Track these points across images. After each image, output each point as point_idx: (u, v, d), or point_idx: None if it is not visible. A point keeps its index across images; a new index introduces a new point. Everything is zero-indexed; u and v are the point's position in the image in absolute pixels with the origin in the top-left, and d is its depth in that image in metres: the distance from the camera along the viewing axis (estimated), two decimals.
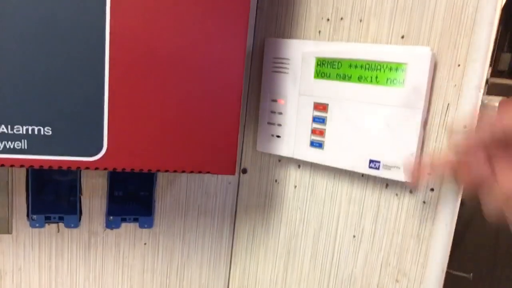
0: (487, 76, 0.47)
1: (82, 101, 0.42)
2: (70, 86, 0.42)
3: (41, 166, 0.43)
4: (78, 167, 0.44)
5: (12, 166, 0.43)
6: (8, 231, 0.59)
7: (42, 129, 0.43)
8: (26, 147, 0.43)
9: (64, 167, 0.44)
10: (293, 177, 0.59)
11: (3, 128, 0.42)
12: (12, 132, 0.42)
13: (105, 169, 0.45)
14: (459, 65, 0.46)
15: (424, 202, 0.50)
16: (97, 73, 0.42)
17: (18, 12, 0.40)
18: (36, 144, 0.43)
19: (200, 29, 0.44)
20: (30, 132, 0.42)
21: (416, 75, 0.46)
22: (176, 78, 0.44)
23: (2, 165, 0.43)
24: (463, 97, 0.46)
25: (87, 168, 0.44)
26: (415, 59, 0.46)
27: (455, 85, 0.46)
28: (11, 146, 0.42)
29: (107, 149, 0.44)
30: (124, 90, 0.43)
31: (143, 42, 0.43)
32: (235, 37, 0.45)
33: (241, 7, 0.45)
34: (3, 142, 0.42)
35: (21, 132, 0.42)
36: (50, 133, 0.43)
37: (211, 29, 0.44)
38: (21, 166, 0.43)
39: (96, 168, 0.44)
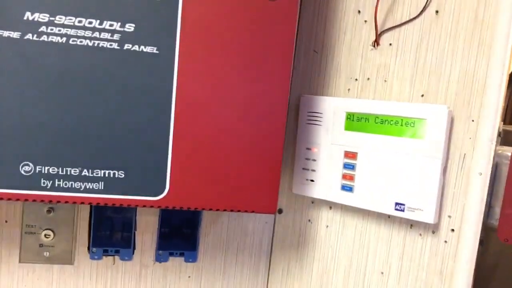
0: (499, 129, 0.54)
1: (150, 149, 0.51)
2: (140, 136, 0.51)
3: (114, 204, 0.51)
4: (145, 205, 0.52)
5: (90, 204, 0.51)
6: (71, 262, 0.67)
7: (116, 172, 0.51)
8: (102, 188, 0.51)
9: (133, 205, 0.52)
10: (325, 217, 0.66)
11: (85, 172, 0.50)
12: (92, 175, 0.51)
13: (167, 207, 0.52)
14: (473, 120, 0.53)
15: (445, 241, 0.55)
16: (163, 125, 0.51)
17: (101, 75, 0.50)
18: (111, 185, 0.51)
19: (250, 88, 0.53)
20: (106, 175, 0.51)
21: (435, 129, 0.53)
22: (228, 125, 0.52)
23: (82, 203, 0.51)
24: (478, 148, 0.53)
25: (152, 206, 0.52)
26: (434, 115, 0.53)
27: (470, 137, 0.53)
28: (91, 187, 0.51)
29: (169, 190, 0.52)
30: (186, 136, 0.51)
31: (204, 99, 0.52)
32: (279, 92, 0.53)
33: (283, 66, 0.53)
34: (84, 183, 0.51)
35: (99, 175, 0.51)
36: (123, 176, 0.51)
37: (259, 86, 0.53)
38: (98, 204, 0.51)
39: (159, 207, 0.52)
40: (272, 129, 0.54)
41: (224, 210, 0.53)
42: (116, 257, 0.68)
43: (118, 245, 0.67)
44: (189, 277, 0.71)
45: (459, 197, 0.54)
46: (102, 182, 0.51)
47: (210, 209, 0.53)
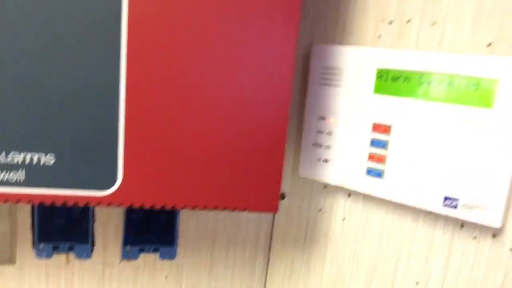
0: None
1: (92, 126, 0.34)
2: (78, 109, 0.34)
3: (42, 202, 0.35)
4: (87, 203, 0.36)
5: (6, 201, 0.35)
6: (11, 261, 0.52)
7: (43, 156, 0.34)
8: (23, 179, 0.35)
9: (70, 203, 0.35)
10: (341, 207, 0.50)
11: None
12: (7, 160, 0.34)
13: (120, 205, 0.36)
14: None
15: (511, 249, 0.40)
16: (111, 93, 0.34)
17: (29, 28, 0.32)
18: (36, 175, 0.35)
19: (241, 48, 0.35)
20: (28, 160, 0.34)
21: (509, 92, 0.37)
22: (207, 100, 0.36)
23: None
24: None
25: (98, 204, 0.36)
26: (508, 73, 0.36)
27: None
28: (6, 178, 0.34)
29: (122, 181, 0.36)
30: (143, 113, 0.34)
31: (164, 51, 0.34)
32: (281, 67, 0.36)
33: (289, 11, 0.35)
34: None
35: (18, 160, 0.34)
36: (53, 162, 0.35)
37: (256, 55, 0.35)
38: (17, 202, 0.35)
39: (109, 204, 0.36)
40: (274, 103, 0.37)
41: (204, 208, 0.37)
42: (71, 255, 0.53)
43: (72, 239, 0.52)
44: (166, 277, 0.56)
45: None
46: (23, 171, 0.34)
47: (184, 207, 0.37)
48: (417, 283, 0.46)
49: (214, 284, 0.57)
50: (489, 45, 0.39)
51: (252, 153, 0.36)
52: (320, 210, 0.52)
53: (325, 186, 0.51)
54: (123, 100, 0.34)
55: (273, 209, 0.38)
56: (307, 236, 0.54)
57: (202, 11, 0.34)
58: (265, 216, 0.56)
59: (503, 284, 0.41)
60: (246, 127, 0.36)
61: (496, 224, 0.38)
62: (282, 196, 0.55)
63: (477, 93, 0.38)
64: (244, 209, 0.38)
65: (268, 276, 0.58)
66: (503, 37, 0.39)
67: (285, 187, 0.54)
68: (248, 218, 0.56)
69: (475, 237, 0.42)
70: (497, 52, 0.39)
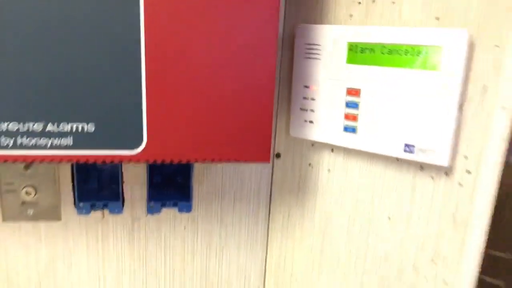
0: None
1: (121, 97, 0.44)
2: (109, 83, 0.44)
3: (87, 161, 0.46)
4: (120, 161, 0.46)
5: (60, 162, 0.45)
6: (58, 218, 0.63)
7: (86, 125, 0.45)
8: (72, 144, 0.45)
9: (108, 161, 0.46)
10: (326, 161, 0.60)
11: (50, 126, 0.44)
12: (58, 129, 0.44)
13: (146, 161, 0.47)
14: (498, 46, 0.45)
15: (460, 184, 0.50)
16: (134, 68, 0.44)
17: (61, 14, 0.42)
18: (80, 140, 0.45)
19: (231, 18, 0.45)
20: (75, 129, 0.45)
21: (452, 57, 0.46)
22: (209, 69, 0.45)
23: (52, 161, 0.45)
24: (502, 78, 0.45)
25: (129, 161, 0.46)
26: (451, 41, 0.45)
27: (494, 67, 0.45)
28: (58, 143, 0.45)
29: (147, 143, 0.46)
30: (160, 83, 0.44)
31: (177, 35, 0.44)
32: (267, 24, 0.46)
33: None
34: (51, 139, 0.45)
35: (67, 129, 0.45)
36: (93, 129, 0.45)
37: (242, 17, 0.45)
38: (69, 161, 0.45)
39: (137, 161, 0.46)
40: (261, 66, 0.46)
41: (211, 161, 0.48)
42: (106, 211, 0.64)
43: (105, 198, 0.63)
44: (184, 227, 0.67)
45: (477, 135, 0.47)
46: (71, 137, 0.45)
47: (196, 161, 0.48)
48: (389, 218, 0.56)
49: (225, 232, 0.68)
50: (437, 18, 0.48)
51: (247, 113, 0.46)
52: (309, 164, 0.62)
53: (313, 143, 0.61)
54: (144, 77, 0.44)
55: (266, 159, 0.48)
56: (300, 187, 0.64)
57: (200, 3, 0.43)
58: (265, 174, 0.66)
59: (455, 212, 0.51)
60: (241, 91, 0.46)
61: (445, 163, 0.48)
62: (278, 155, 0.65)
63: (427, 59, 0.47)
64: (244, 160, 0.48)
65: (270, 223, 0.68)
66: (448, 13, 0.48)
67: (280, 148, 0.64)
68: (251, 177, 0.66)
69: (432, 177, 0.52)
70: (443, 25, 0.48)
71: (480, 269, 0.51)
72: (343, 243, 0.61)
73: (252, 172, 0.66)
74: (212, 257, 0.69)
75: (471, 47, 0.46)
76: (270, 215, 0.68)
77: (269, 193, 0.67)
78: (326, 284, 0.64)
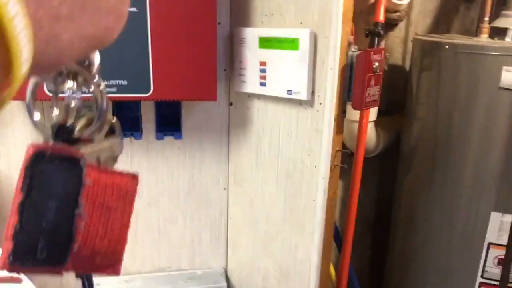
0: (349, 40, 0.90)
1: (139, 65, 0.90)
2: (135, 57, 0.90)
3: (121, 100, 0.92)
4: (140, 100, 0.92)
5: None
6: None
7: (121, 81, 0.91)
8: (115, 90, 0.91)
9: (132, 100, 0.92)
10: (255, 105, 1.05)
11: (105, 82, 0.91)
12: (108, 83, 0.91)
13: (154, 100, 0.93)
14: (326, 37, 0.89)
15: (317, 110, 0.94)
16: (143, 37, 0.90)
17: None
18: (120, 89, 0.91)
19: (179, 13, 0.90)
20: (116, 83, 0.91)
21: (305, 43, 0.90)
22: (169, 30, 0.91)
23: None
24: (330, 53, 0.90)
25: (144, 100, 0.92)
26: (304, 35, 0.90)
27: (325, 46, 0.90)
28: (109, 90, 0.91)
29: (153, 90, 0.92)
30: (159, 51, 0.90)
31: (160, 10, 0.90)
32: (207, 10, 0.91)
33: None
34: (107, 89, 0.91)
35: (113, 83, 0.91)
36: (126, 83, 0.91)
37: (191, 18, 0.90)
38: (114, 100, 0.92)
39: (148, 100, 0.93)
40: (203, 37, 0.92)
41: (182, 99, 0.93)
42: (132, 138, 1.11)
43: (132, 129, 1.09)
44: (178, 148, 1.13)
45: (322, 83, 0.92)
46: (115, 88, 0.91)
47: (173, 99, 0.93)
48: (287, 134, 1.01)
49: (202, 151, 1.14)
50: (301, 23, 0.93)
51: (201, 68, 0.92)
52: (247, 108, 1.07)
53: (248, 95, 1.06)
54: (150, 43, 0.90)
55: (213, 97, 0.93)
56: (244, 122, 1.09)
57: None
58: (225, 114, 1.11)
59: (316, 126, 0.95)
60: (194, 47, 0.91)
61: (305, 98, 0.93)
62: (231, 104, 1.10)
63: (294, 44, 0.92)
64: (199, 99, 0.94)
65: (229, 145, 1.14)
66: (304, 20, 0.92)
67: (232, 99, 1.09)
68: (217, 116, 1.11)
69: (305, 108, 0.97)
70: (303, 27, 0.92)
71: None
72: (267, 151, 1.06)
73: (218, 113, 1.11)
74: (195, 168, 1.15)
75: (315, 37, 0.90)
76: (229, 140, 1.14)
77: (227, 126, 1.13)
78: (262, 176, 1.09)
